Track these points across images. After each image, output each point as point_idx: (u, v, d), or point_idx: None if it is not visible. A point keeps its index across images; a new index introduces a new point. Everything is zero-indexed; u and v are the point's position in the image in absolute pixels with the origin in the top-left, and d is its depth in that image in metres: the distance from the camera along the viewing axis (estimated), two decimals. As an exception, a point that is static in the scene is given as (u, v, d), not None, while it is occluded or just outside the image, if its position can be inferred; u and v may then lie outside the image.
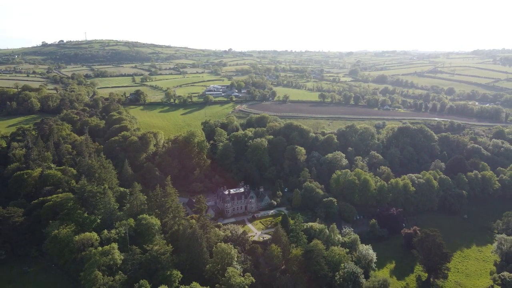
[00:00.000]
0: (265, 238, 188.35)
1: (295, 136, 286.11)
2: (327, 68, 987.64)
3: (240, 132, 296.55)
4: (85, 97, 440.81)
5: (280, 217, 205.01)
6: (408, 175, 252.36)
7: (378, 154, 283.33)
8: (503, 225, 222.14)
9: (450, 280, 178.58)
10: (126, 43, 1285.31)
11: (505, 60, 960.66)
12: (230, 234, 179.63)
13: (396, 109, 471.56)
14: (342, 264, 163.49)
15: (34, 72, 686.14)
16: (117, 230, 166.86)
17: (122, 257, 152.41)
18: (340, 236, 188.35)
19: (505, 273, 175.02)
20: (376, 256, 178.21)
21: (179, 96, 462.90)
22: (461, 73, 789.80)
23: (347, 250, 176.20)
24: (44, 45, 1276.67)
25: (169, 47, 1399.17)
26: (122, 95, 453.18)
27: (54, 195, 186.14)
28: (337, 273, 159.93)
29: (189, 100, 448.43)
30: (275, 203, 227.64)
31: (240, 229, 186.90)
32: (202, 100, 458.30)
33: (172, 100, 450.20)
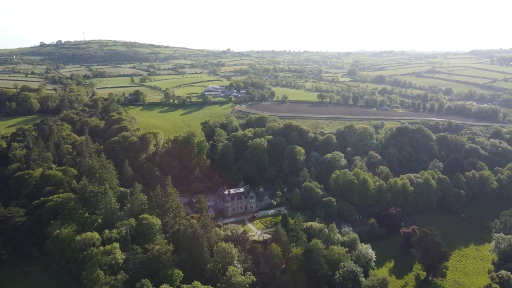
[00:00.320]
0: (265, 238, 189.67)
1: (294, 136, 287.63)
2: (325, 68, 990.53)
3: (240, 132, 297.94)
4: (84, 98, 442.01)
5: (280, 217, 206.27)
6: (406, 174, 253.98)
7: (377, 154, 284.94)
8: (501, 224, 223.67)
9: (448, 278, 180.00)
10: (125, 43, 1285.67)
11: (503, 60, 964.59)
12: (230, 234, 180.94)
13: (395, 109, 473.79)
14: (342, 263, 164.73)
15: (32, 73, 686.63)
16: (118, 230, 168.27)
17: (124, 257, 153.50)
18: (339, 236, 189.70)
19: (503, 272, 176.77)
20: (375, 255, 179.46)
21: (178, 96, 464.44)
22: (459, 73, 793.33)
23: (347, 249, 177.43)
24: (42, 45, 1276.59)
25: (167, 47, 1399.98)
26: (121, 96, 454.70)
27: (55, 195, 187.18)
28: (337, 272, 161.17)
29: (188, 100, 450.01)
30: (275, 203, 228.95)
31: (240, 229, 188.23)
32: (201, 100, 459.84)
33: (171, 101, 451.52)
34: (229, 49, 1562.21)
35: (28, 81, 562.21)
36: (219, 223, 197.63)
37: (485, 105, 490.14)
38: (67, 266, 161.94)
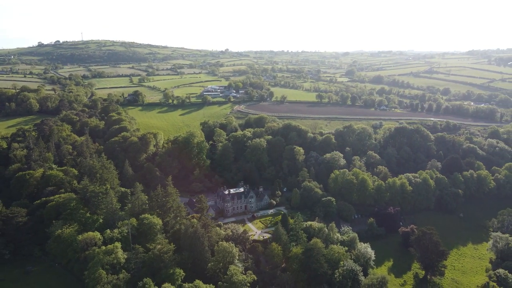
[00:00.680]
0: (265, 237, 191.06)
1: (293, 136, 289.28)
2: (323, 68, 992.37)
3: (239, 132, 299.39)
4: (84, 98, 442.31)
5: (280, 216, 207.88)
6: (405, 174, 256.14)
7: (376, 154, 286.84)
8: (498, 224, 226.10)
9: (446, 277, 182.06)
10: (123, 44, 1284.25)
11: (500, 61, 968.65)
12: (231, 233, 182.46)
13: (393, 109, 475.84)
14: (342, 262, 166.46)
15: (31, 73, 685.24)
16: (119, 230, 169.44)
17: (125, 256, 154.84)
18: (339, 235, 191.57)
19: (500, 270, 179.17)
20: (374, 254, 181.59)
21: (177, 96, 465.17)
22: (457, 73, 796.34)
23: (346, 248, 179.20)
24: (40, 45, 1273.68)
25: (165, 47, 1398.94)
26: (120, 96, 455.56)
27: (57, 195, 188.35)
28: (337, 271, 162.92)
29: (187, 100, 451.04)
30: (275, 202, 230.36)
31: (240, 228, 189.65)
32: (200, 100, 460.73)
33: (170, 101, 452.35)
34: (227, 49, 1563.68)
35: (27, 81, 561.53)
36: (219, 222, 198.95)
37: (482, 105, 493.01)
38: (69, 266, 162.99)
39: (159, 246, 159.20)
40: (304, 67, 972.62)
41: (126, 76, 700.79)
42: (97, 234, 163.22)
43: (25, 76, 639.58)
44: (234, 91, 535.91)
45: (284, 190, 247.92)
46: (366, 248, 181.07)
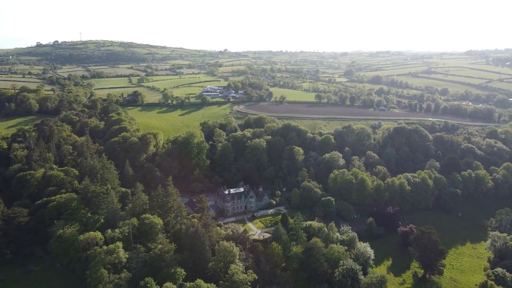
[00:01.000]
0: (265, 237, 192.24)
1: (293, 136, 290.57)
2: (322, 68, 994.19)
3: (239, 132, 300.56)
4: (83, 98, 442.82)
5: (280, 216, 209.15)
6: (404, 174, 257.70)
7: (375, 154, 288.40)
8: (496, 223, 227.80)
9: (445, 276, 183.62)
10: (121, 44, 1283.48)
11: (498, 61, 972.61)
12: (231, 233, 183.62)
13: (391, 109, 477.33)
14: (341, 261, 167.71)
15: (29, 73, 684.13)
16: (121, 230, 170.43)
17: (127, 256, 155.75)
18: (338, 234, 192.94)
19: (499, 269, 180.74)
20: (373, 254, 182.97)
21: (176, 97, 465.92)
22: (455, 73, 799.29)
23: (346, 247, 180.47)
24: (39, 45, 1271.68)
25: (164, 47, 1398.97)
26: (119, 96, 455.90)
27: (58, 196, 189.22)
28: (337, 270, 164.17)
29: (187, 101, 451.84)
30: (274, 202, 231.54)
31: (240, 228, 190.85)
32: (199, 101, 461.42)
33: (169, 101, 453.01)
34: (226, 49, 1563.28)
35: (26, 81, 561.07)
36: (219, 222, 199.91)
37: (480, 105, 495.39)
38: (70, 265, 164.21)
39: (160, 246, 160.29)
40: (303, 67, 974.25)
41: (125, 76, 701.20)
42: (99, 234, 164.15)
43: (24, 77, 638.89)
44: (233, 92, 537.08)
45: (284, 190, 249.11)
46: (365, 248, 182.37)
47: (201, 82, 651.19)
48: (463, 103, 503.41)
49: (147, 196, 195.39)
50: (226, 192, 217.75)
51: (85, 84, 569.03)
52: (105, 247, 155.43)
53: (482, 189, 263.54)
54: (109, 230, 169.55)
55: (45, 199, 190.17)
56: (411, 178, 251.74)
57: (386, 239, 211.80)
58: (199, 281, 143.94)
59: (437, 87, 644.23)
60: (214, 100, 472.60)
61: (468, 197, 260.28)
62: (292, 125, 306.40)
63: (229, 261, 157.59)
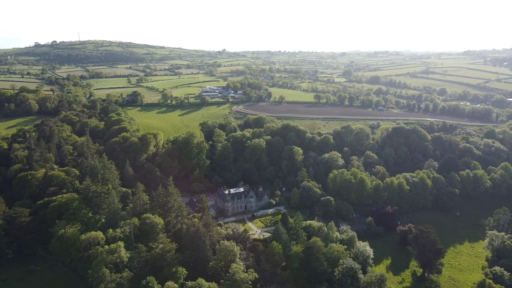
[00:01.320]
0: (265, 236, 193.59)
1: (292, 136, 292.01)
2: (321, 68, 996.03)
3: (238, 133, 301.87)
4: (82, 99, 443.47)
5: (280, 216, 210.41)
6: (402, 174, 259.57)
7: (373, 154, 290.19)
8: (494, 222, 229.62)
9: (443, 275, 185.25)
10: (120, 44, 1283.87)
11: (496, 61, 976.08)
12: (231, 232, 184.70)
13: (390, 109, 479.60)
14: (341, 260, 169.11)
15: (28, 73, 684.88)
16: (122, 229, 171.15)
17: (128, 255, 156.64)
18: (338, 234, 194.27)
19: (496, 268, 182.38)
20: (372, 253, 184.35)
21: (176, 97, 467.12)
22: (453, 73, 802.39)
23: (345, 247, 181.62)
24: (37, 45, 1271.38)
25: (163, 47, 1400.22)
26: (119, 96, 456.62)
27: (59, 196, 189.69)
28: (336, 269, 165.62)
29: (186, 101, 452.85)
30: (274, 202, 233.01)
31: (241, 228, 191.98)
32: (199, 101, 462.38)
33: (169, 101, 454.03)
34: (224, 50, 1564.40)
35: (25, 82, 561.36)
36: (220, 222, 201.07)
37: (478, 105, 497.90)
38: (72, 265, 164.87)
39: (161, 245, 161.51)
40: (302, 68, 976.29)
41: (124, 76, 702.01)
42: (100, 234, 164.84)
43: (22, 77, 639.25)
44: (233, 92, 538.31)
45: (283, 189, 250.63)
46: (364, 247, 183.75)
47: (200, 82, 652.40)
48: (461, 103, 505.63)
49: (147, 196, 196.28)
50: (226, 192, 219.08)
51: (84, 84, 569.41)
52: (106, 246, 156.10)
53: (480, 188, 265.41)
54: (110, 230, 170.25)
55: (46, 199, 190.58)
56: (410, 178, 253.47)
57: (385, 238, 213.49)
58: (200, 280, 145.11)
59: (435, 87, 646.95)
60: (213, 100, 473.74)
61: (466, 197, 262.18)
62: (291, 125, 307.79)
63: (230, 260, 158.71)
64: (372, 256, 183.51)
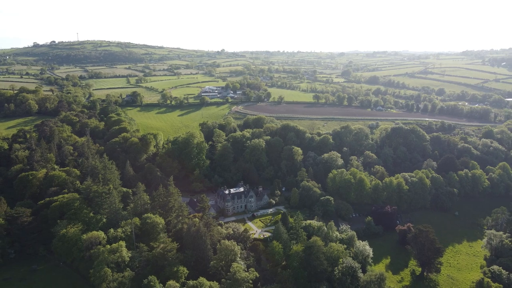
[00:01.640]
0: (265, 236, 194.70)
1: (291, 136, 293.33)
2: (319, 69, 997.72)
3: (238, 133, 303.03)
4: (82, 99, 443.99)
5: (280, 215, 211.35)
6: (401, 174, 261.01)
7: (372, 154, 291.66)
8: (492, 222, 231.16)
9: (442, 274, 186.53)
10: (119, 44, 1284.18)
11: (494, 61, 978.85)
12: (232, 232, 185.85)
13: (389, 109, 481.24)
14: (341, 260, 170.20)
15: (27, 73, 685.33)
16: (123, 229, 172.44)
17: (130, 255, 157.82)
18: (337, 233, 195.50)
19: (495, 267, 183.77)
20: (372, 252, 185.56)
21: (175, 97, 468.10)
22: (451, 73, 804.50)
23: (345, 246, 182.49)
24: (36, 45, 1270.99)
25: (161, 47, 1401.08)
26: (118, 97, 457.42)
27: (60, 196, 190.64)
28: (336, 268, 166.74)
29: (186, 101, 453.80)
30: (274, 202, 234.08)
31: (241, 227, 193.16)
32: (198, 101, 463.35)
33: (168, 102, 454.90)
34: (223, 50, 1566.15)
35: (24, 82, 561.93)
36: (220, 222, 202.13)
37: (476, 105, 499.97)
38: (73, 264, 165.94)
39: (162, 245, 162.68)
40: (300, 68, 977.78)
41: (123, 76, 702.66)
42: (101, 234, 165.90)
43: (21, 77, 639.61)
44: (232, 92, 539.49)
45: (283, 189, 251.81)
46: (364, 246, 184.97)
47: (199, 82, 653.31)
48: (460, 103, 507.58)
49: (148, 196, 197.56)
50: (227, 192, 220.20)
51: (83, 84, 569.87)
52: (108, 246, 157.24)
53: (479, 188, 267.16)
54: (112, 230, 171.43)
55: (47, 199, 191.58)
56: (409, 177, 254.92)
57: (384, 237, 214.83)
58: (201, 279, 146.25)
59: (433, 87, 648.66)
60: (212, 100, 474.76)
61: (465, 196, 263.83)
62: (290, 126, 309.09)
63: (230, 260, 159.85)
64: (371, 255, 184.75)
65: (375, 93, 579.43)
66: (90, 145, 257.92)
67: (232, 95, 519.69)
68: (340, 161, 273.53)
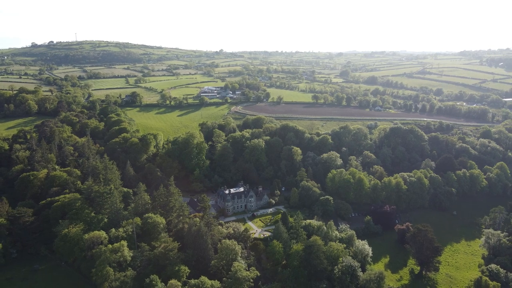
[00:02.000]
0: (265, 235, 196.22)
1: (291, 137, 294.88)
2: (318, 69, 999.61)
3: (238, 133, 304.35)
4: (81, 99, 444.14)
5: (279, 215, 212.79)
6: (400, 174, 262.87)
7: (371, 154, 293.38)
8: (490, 221, 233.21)
9: (441, 272, 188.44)
10: (117, 44, 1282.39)
11: (491, 61, 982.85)
12: (232, 232, 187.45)
13: (387, 110, 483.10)
14: (340, 259, 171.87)
15: (26, 74, 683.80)
16: (124, 229, 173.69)
17: (131, 254, 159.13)
18: (337, 233, 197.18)
19: (493, 266, 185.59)
20: (371, 251, 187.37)
21: (174, 97, 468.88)
22: (449, 74, 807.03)
23: (344, 245, 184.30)
24: (34, 46, 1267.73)
25: (160, 48, 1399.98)
26: (117, 97, 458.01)
27: (62, 196, 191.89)
28: (336, 267, 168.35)
29: (185, 101, 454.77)
30: (274, 201, 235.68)
31: (241, 227, 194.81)
32: (197, 101, 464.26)
33: (168, 102, 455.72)
34: (221, 50, 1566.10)
35: (23, 82, 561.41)
36: (220, 221, 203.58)
37: (474, 105, 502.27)
38: (75, 264, 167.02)
39: (164, 244, 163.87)
40: (299, 68, 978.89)
41: (122, 77, 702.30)
42: (103, 233, 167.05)
43: (20, 77, 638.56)
44: (231, 92, 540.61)
45: (283, 189, 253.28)
46: (363, 245, 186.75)
47: (198, 82, 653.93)
48: (458, 103, 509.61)
49: (149, 196, 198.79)
50: (227, 191, 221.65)
51: (82, 85, 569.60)
52: (110, 246, 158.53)
53: (477, 188, 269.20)
54: (113, 230, 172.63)
55: (49, 199, 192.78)
56: (407, 177, 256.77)
57: (383, 237, 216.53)
58: (203, 278, 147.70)
59: (431, 87, 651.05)
60: (212, 100, 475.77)
61: (463, 196, 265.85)
62: (290, 126, 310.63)
63: (231, 259, 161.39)
64: (370, 254, 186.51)
65: (373, 93, 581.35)
66: (90, 146, 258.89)
67: (231, 95, 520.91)
68: (339, 161, 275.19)
